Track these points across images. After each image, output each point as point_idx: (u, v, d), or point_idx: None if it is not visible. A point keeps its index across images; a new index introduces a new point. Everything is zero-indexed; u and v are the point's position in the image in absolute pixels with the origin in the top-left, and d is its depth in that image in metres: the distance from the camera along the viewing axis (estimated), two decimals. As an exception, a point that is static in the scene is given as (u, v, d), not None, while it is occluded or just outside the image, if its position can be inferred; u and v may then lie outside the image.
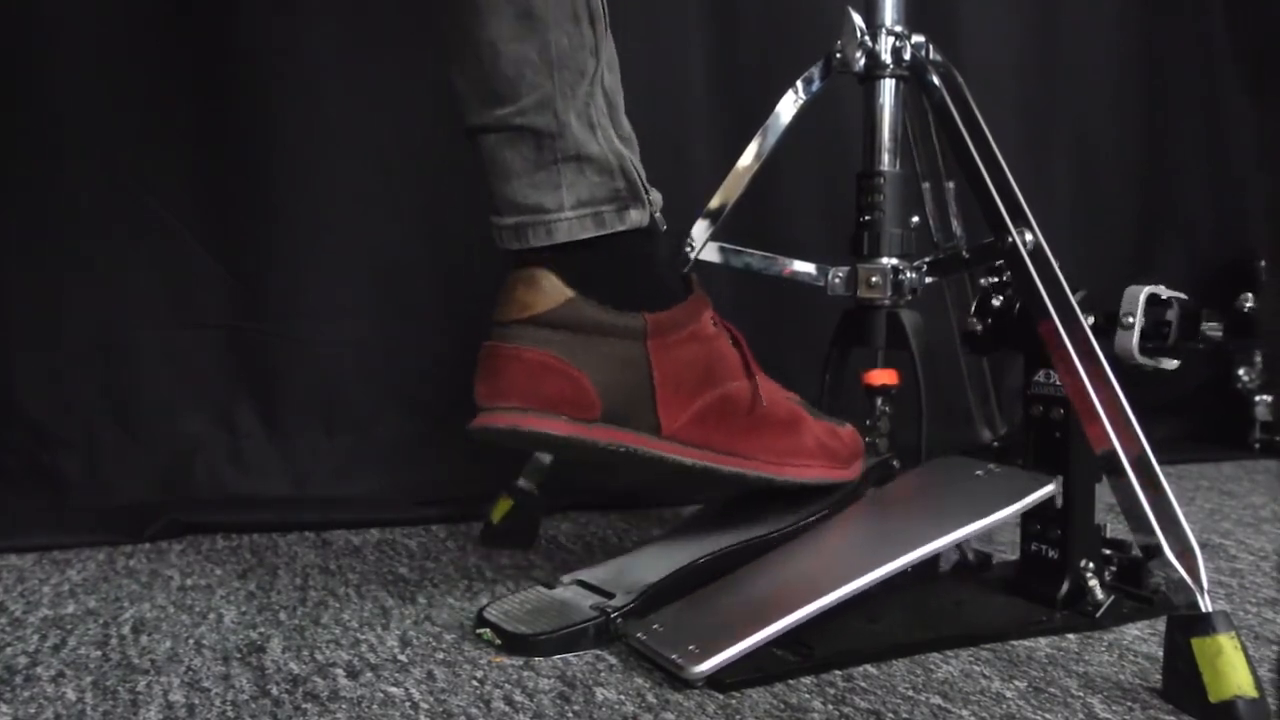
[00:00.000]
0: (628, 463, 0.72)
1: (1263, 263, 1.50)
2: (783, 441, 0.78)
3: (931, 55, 0.90)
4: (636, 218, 0.73)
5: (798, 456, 0.79)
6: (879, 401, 0.92)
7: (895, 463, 0.88)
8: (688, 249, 0.96)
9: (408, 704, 0.61)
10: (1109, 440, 0.66)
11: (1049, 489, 0.75)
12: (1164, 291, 0.76)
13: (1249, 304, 0.87)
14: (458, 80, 0.71)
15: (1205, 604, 0.60)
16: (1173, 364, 0.76)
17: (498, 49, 0.68)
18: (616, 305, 0.71)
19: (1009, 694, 0.63)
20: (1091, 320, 0.74)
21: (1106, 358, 0.69)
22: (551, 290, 0.70)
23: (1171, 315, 0.76)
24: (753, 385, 0.77)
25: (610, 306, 0.71)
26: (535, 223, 0.71)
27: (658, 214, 0.76)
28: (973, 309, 0.85)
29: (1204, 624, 0.60)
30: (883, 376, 0.92)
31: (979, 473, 0.80)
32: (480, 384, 0.71)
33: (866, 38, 0.90)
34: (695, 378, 0.74)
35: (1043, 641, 0.72)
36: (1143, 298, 0.75)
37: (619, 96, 0.74)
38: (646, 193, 0.74)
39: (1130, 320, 0.75)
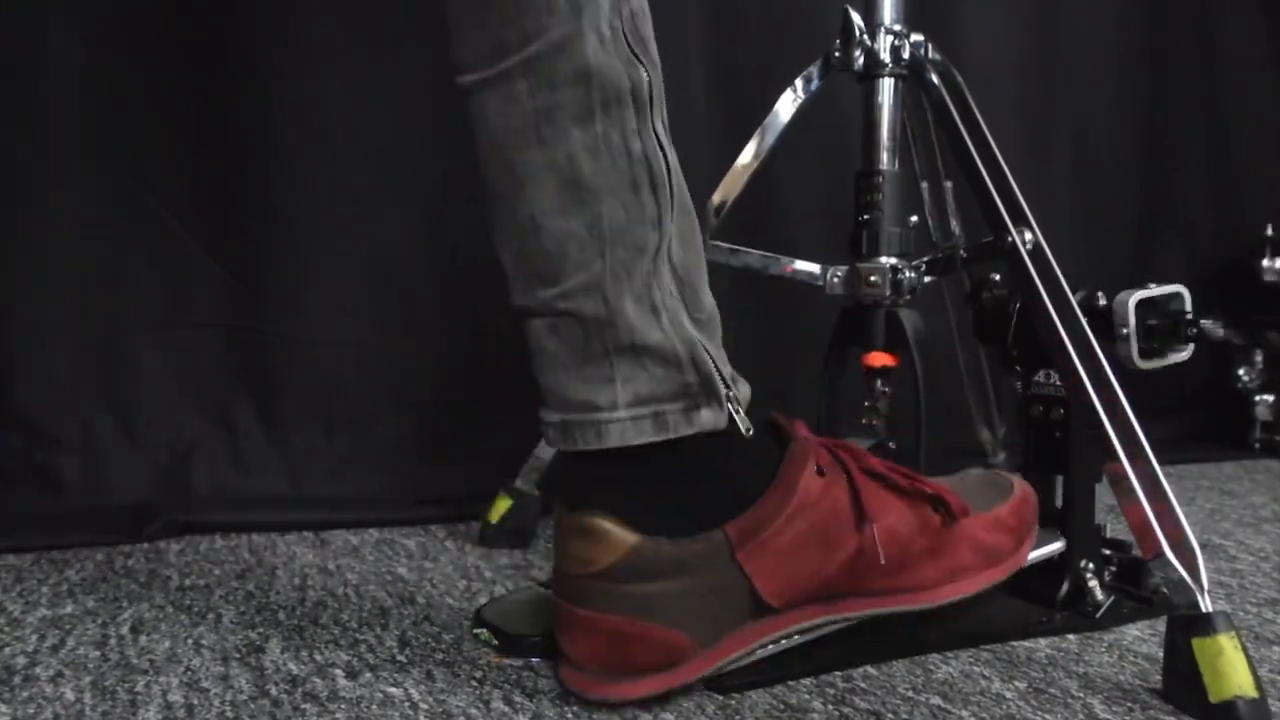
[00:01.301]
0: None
1: (1264, 262, 1.50)
2: (931, 570, 0.65)
3: (930, 54, 0.90)
4: (709, 419, 0.62)
5: (952, 579, 0.66)
6: (878, 383, 0.92)
7: (891, 444, 0.87)
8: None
9: (407, 704, 0.61)
10: (1109, 440, 0.66)
11: (1055, 547, 0.75)
12: (1155, 289, 0.76)
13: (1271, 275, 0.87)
14: (501, 255, 0.63)
15: (1205, 604, 0.60)
16: (1183, 354, 0.76)
17: (539, 223, 0.60)
18: (690, 530, 0.61)
19: (1009, 695, 0.63)
20: (1104, 301, 0.74)
21: (1107, 358, 0.69)
22: (612, 541, 0.60)
23: (1167, 312, 0.76)
24: (929, 503, 0.65)
25: (682, 536, 0.60)
26: (584, 422, 0.61)
27: (741, 413, 0.63)
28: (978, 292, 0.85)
29: (1204, 624, 0.59)
30: (882, 358, 0.92)
31: None
32: (561, 639, 0.63)
33: (865, 36, 0.90)
34: (810, 557, 0.62)
35: (1043, 642, 0.72)
36: (1132, 304, 0.75)
37: (698, 272, 0.64)
38: (728, 387, 0.63)
39: (1125, 331, 0.75)
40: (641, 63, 0.60)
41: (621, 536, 0.60)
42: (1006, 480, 0.72)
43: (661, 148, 0.61)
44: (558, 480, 0.64)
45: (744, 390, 0.65)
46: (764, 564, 0.61)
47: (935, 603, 0.66)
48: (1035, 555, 0.74)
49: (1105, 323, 0.76)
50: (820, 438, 0.66)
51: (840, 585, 0.64)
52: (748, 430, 0.63)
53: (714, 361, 0.62)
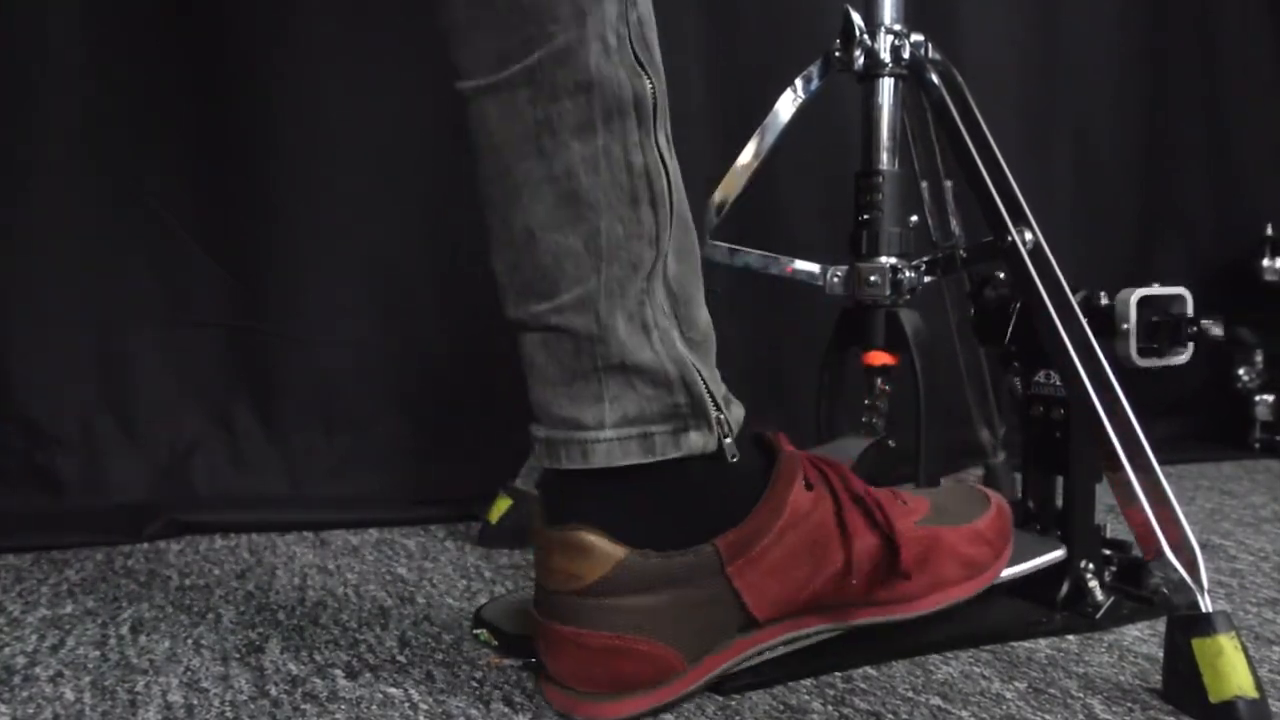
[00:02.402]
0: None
1: (1265, 262, 1.50)
2: (916, 582, 0.66)
3: (931, 54, 0.90)
4: (698, 442, 0.60)
5: (934, 590, 0.67)
6: (878, 381, 0.92)
7: (891, 442, 0.87)
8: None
9: (407, 704, 0.61)
10: (1109, 440, 0.66)
11: (1057, 554, 0.75)
12: (1158, 289, 0.76)
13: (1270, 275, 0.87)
14: (495, 264, 0.62)
15: (1205, 604, 0.60)
16: (1182, 356, 0.76)
17: (535, 236, 0.58)
18: (679, 544, 0.60)
19: (1009, 695, 0.63)
20: (1106, 300, 0.74)
21: (1107, 358, 0.69)
22: (599, 555, 0.58)
23: (1167, 312, 0.76)
24: (881, 540, 0.64)
25: (671, 549, 0.59)
26: (569, 440, 0.60)
27: (730, 439, 0.62)
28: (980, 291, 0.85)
29: (1204, 624, 0.59)
30: (882, 357, 0.92)
31: None
32: (545, 658, 0.61)
33: (865, 36, 0.90)
34: (799, 572, 0.62)
35: (1043, 642, 0.72)
36: (1134, 301, 0.75)
37: (693, 289, 0.62)
38: (719, 409, 0.61)
39: (1126, 326, 0.75)
40: (646, 72, 0.59)
41: (609, 550, 0.58)
42: (983, 494, 0.73)
43: (663, 161, 0.60)
44: (540, 496, 0.63)
45: (736, 412, 0.63)
46: (754, 579, 0.61)
47: (918, 613, 0.67)
48: (1038, 562, 0.74)
49: (1105, 323, 0.76)
50: (804, 452, 0.65)
51: (828, 598, 0.64)
52: (734, 458, 0.62)
53: (705, 383, 0.61)
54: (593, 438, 0.59)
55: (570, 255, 0.58)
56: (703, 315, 0.63)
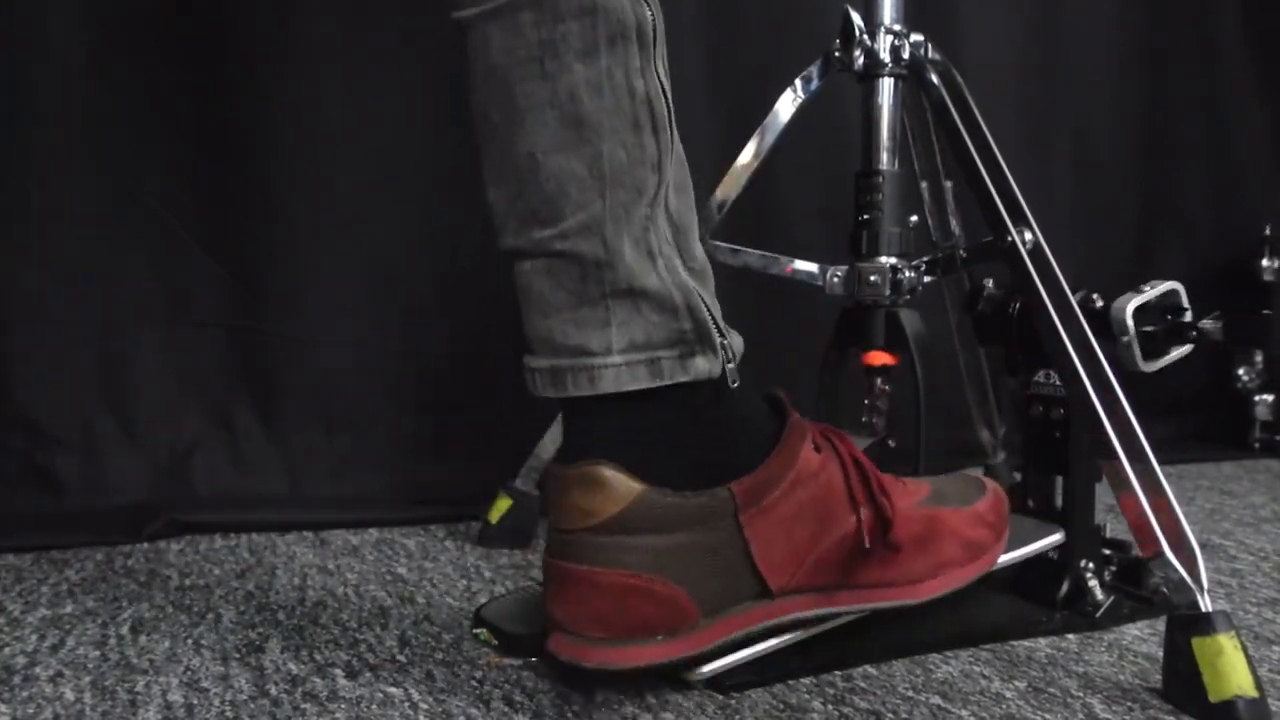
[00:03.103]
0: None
1: (1265, 262, 1.50)
2: (920, 562, 0.66)
3: (930, 54, 0.90)
4: (704, 367, 0.61)
5: (938, 571, 0.67)
6: (878, 381, 0.92)
7: (891, 442, 0.87)
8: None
9: (406, 704, 0.61)
10: (1109, 440, 0.66)
11: (1055, 538, 0.75)
12: (1147, 289, 0.76)
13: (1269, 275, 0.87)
14: (493, 194, 0.61)
15: (1205, 604, 0.60)
16: (1183, 350, 0.76)
17: (538, 160, 0.58)
18: (694, 485, 0.60)
19: (1009, 694, 0.63)
20: (1101, 303, 0.74)
21: (1107, 358, 0.69)
22: (617, 489, 0.58)
23: (1165, 310, 0.76)
24: (874, 512, 0.63)
25: (687, 490, 0.59)
26: (576, 367, 0.59)
27: (732, 364, 0.62)
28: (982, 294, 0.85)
29: (1204, 624, 0.60)
30: (882, 357, 0.92)
31: None
32: (555, 606, 0.60)
33: (865, 36, 0.90)
34: (806, 530, 0.62)
35: (1043, 642, 0.72)
36: (1130, 312, 0.75)
37: (690, 221, 0.63)
38: (722, 335, 0.62)
39: (1126, 339, 0.75)
40: (646, 1, 0.59)
41: (627, 485, 0.58)
42: (980, 480, 0.73)
43: (663, 88, 0.60)
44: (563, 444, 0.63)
45: (736, 340, 0.64)
46: (763, 530, 0.61)
47: (923, 598, 0.66)
48: (1037, 546, 0.74)
49: (1104, 323, 0.76)
50: (812, 422, 0.66)
51: (833, 573, 0.63)
52: (734, 382, 0.62)
53: (709, 309, 0.61)
54: (600, 363, 0.59)
55: (574, 179, 0.58)
56: (699, 248, 0.63)
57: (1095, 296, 0.77)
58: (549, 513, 0.61)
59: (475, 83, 0.60)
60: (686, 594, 0.59)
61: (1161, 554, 0.62)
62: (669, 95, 0.60)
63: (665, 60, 0.61)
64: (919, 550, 0.65)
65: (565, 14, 0.57)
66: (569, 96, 0.57)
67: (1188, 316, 0.77)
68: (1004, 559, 0.72)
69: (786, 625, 0.64)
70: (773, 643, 0.65)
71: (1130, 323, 0.74)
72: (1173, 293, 0.76)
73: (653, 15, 0.60)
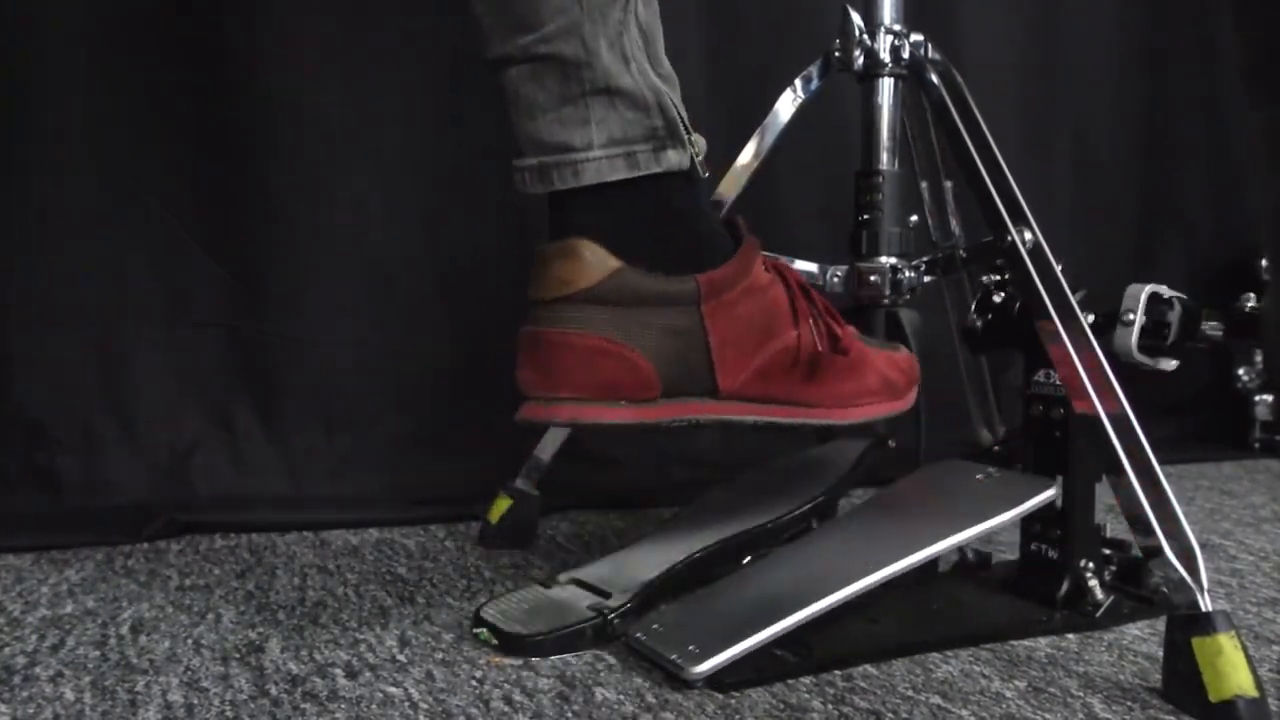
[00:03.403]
0: (688, 429, 0.70)
1: (1264, 262, 1.50)
2: (848, 385, 0.74)
3: (930, 54, 0.90)
4: (675, 159, 0.67)
5: (861, 398, 0.75)
6: None
7: (891, 443, 0.87)
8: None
9: (406, 704, 0.61)
10: (1109, 440, 0.66)
11: (1049, 493, 0.75)
12: (1166, 291, 0.76)
13: (1250, 304, 0.87)
14: (478, 6, 0.65)
15: (1205, 604, 0.60)
16: (1171, 364, 0.76)
17: None
18: (665, 269, 0.66)
19: (1009, 694, 0.63)
20: (1091, 318, 0.74)
21: (1106, 357, 0.69)
22: (595, 261, 0.63)
23: (1172, 316, 0.76)
24: (818, 328, 0.71)
25: (660, 272, 0.65)
26: (561, 163, 0.65)
27: (700, 158, 0.69)
28: (973, 306, 0.85)
29: (1204, 623, 0.59)
30: None
31: (979, 476, 0.80)
32: (527, 371, 0.65)
33: (865, 36, 0.90)
34: (753, 335, 0.69)
35: (1043, 641, 0.72)
36: (1144, 296, 0.75)
37: (657, 33, 0.68)
38: (688, 133, 0.68)
39: (1130, 317, 0.75)
40: None
41: (604, 259, 0.64)
42: (894, 344, 0.83)
43: None
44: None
45: (700, 141, 0.69)
46: (722, 324, 0.67)
47: (846, 421, 0.75)
48: (1030, 504, 0.73)
49: (1104, 324, 0.76)
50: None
51: (772, 386, 0.70)
52: (705, 174, 0.69)
53: (678, 109, 0.67)
54: (582, 158, 0.65)
55: None
56: (665, 59, 0.69)
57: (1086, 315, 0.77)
58: (530, 287, 0.66)
59: None
60: (651, 366, 0.65)
61: (1161, 554, 0.62)
62: None
63: None
64: (848, 374, 0.74)
65: None
66: None
67: (1177, 306, 0.76)
68: (1004, 516, 0.72)
69: (732, 424, 0.70)
70: (765, 635, 0.64)
71: (1143, 304, 0.74)
72: (1153, 296, 0.76)
73: None
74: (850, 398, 0.75)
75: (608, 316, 0.64)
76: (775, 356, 0.70)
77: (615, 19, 0.64)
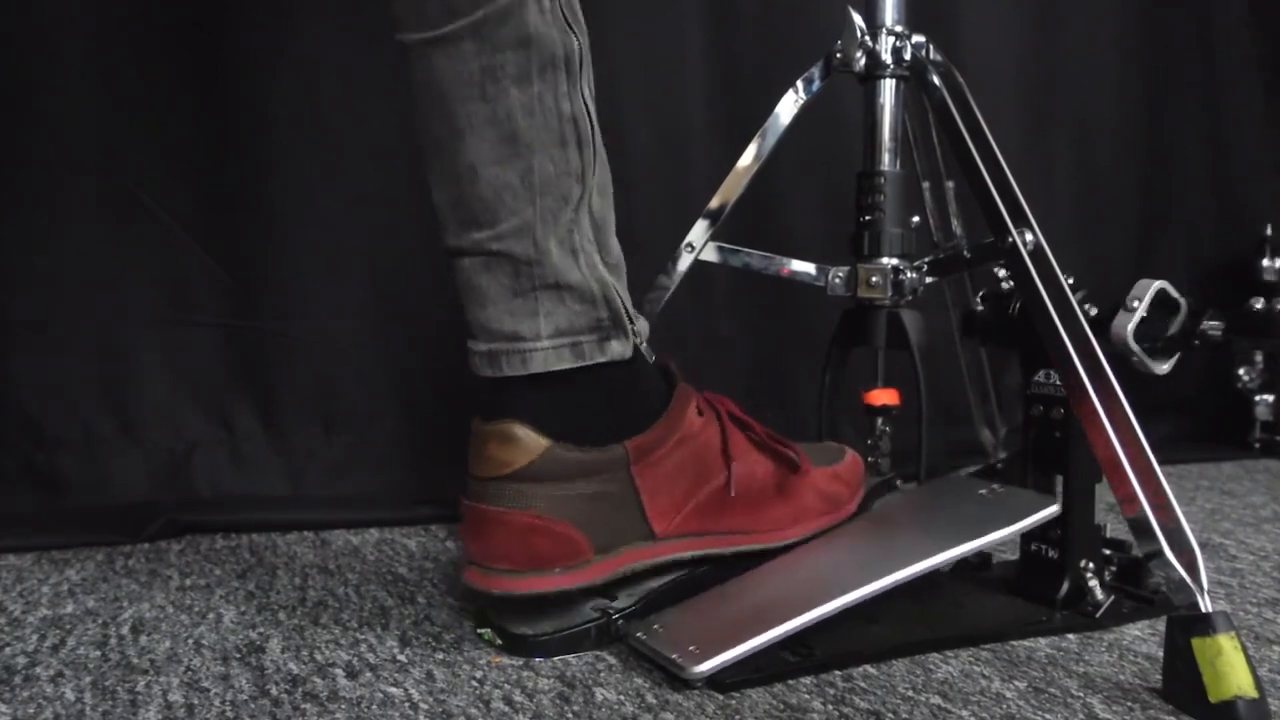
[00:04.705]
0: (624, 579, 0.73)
1: (1265, 262, 1.50)
2: (782, 509, 0.77)
3: (932, 55, 0.90)
4: (618, 349, 0.71)
5: (800, 519, 0.78)
6: (879, 421, 0.93)
7: (898, 481, 0.88)
8: (687, 250, 0.96)
9: (407, 704, 0.61)
10: (1109, 440, 0.66)
11: (1051, 510, 0.75)
12: (1174, 292, 0.76)
13: (1259, 305, 0.87)
14: (437, 198, 0.70)
15: (1205, 604, 0.60)
16: (1164, 368, 0.76)
17: (477, 172, 0.67)
18: (596, 441, 0.69)
19: (1009, 694, 0.63)
20: (1095, 311, 0.74)
21: (1106, 358, 0.69)
22: (528, 444, 0.67)
23: (1175, 317, 0.76)
24: (761, 458, 0.76)
25: (589, 445, 0.69)
26: (510, 350, 0.69)
27: (643, 344, 0.74)
28: (980, 294, 0.85)
29: (1204, 624, 0.60)
30: (884, 396, 0.92)
31: (982, 492, 0.80)
32: (469, 541, 0.70)
33: (867, 37, 0.90)
34: (686, 481, 0.73)
35: (1043, 641, 0.72)
36: (1153, 290, 0.75)
37: (609, 219, 0.72)
38: (632, 322, 0.72)
39: (1135, 304, 0.74)
40: (574, 31, 0.67)
41: (536, 440, 0.67)
42: (840, 448, 0.85)
43: (588, 109, 0.68)
44: (481, 402, 0.71)
45: (643, 325, 0.74)
46: (652, 481, 0.71)
47: (783, 541, 0.77)
48: (1032, 519, 0.73)
49: (1106, 315, 0.76)
50: (698, 391, 0.76)
51: (707, 520, 0.74)
52: (652, 359, 0.74)
53: (622, 300, 0.71)
54: (530, 347, 0.69)
55: (509, 189, 0.67)
56: (616, 244, 0.73)
57: (1088, 307, 0.77)
58: (468, 462, 0.70)
59: (420, 98, 0.69)
60: (582, 534, 0.68)
61: (1161, 554, 0.62)
62: (593, 114, 0.69)
63: (591, 82, 0.69)
64: (782, 500, 0.77)
65: (503, 45, 0.65)
66: (505, 116, 0.66)
67: (1183, 308, 0.76)
68: (1005, 531, 0.73)
69: (666, 565, 0.74)
70: (766, 638, 0.65)
71: (1133, 344, 0.75)
72: (1161, 293, 0.76)
73: (579, 44, 0.68)
74: (789, 521, 0.78)
75: (540, 492, 0.67)
76: (709, 495, 0.74)
77: (567, 218, 0.68)
